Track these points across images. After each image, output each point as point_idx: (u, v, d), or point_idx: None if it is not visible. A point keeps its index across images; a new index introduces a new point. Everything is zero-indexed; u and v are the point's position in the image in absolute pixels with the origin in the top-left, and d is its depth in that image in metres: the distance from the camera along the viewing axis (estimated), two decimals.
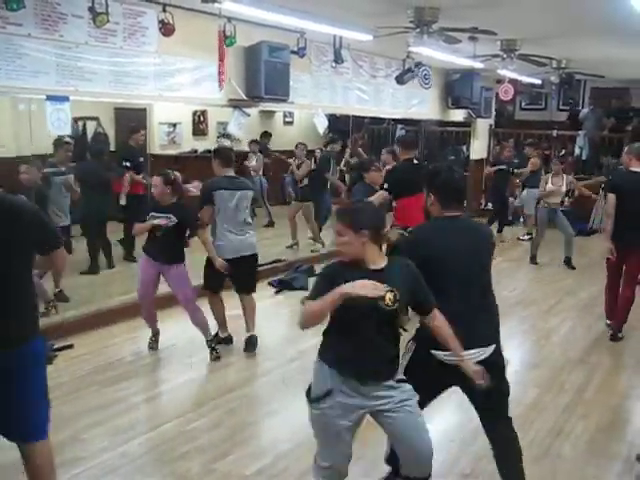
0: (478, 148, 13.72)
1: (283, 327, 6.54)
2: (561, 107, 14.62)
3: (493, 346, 3.37)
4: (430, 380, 3.27)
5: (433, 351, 3.22)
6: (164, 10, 5.95)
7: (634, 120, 13.33)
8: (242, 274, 5.64)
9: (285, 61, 7.41)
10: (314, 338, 6.13)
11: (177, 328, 6.35)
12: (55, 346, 5.49)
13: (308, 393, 3.03)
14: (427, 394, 3.33)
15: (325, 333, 3.01)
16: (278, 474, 3.79)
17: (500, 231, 11.27)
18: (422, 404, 3.22)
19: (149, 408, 4.63)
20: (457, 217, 3.35)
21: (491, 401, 3.36)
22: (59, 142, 7.51)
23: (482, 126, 13.64)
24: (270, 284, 7.78)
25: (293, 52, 7.55)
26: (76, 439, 4.14)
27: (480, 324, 3.34)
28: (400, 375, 3.04)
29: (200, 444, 4.13)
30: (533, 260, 9.57)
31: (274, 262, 8.50)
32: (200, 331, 5.53)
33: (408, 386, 3.02)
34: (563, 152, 13.86)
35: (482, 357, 3.24)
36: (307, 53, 7.77)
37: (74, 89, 5.66)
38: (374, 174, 6.71)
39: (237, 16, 6.32)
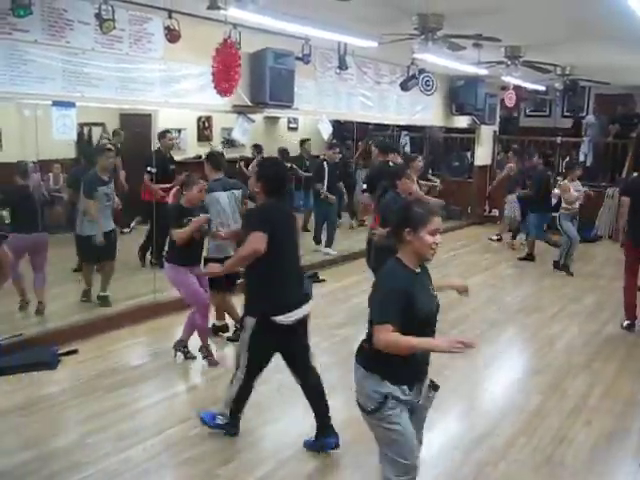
0: (482, 154, 13.74)
1: None
2: (565, 114, 14.61)
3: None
4: (273, 347, 4.06)
5: (274, 318, 3.87)
6: (170, 17, 5.98)
7: (639, 126, 13.32)
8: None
9: (290, 67, 7.44)
10: (316, 345, 6.16)
11: (177, 335, 6.37)
12: (60, 351, 5.51)
13: (367, 410, 3.10)
14: (266, 362, 4.15)
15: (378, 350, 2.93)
16: None
17: (514, 237, 11.29)
18: (257, 373, 4.11)
19: (153, 414, 4.63)
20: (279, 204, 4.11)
21: (303, 356, 4.20)
22: (100, 149, 7.18)
23: (486, 133, 13.66)
24: None
25: (298, 58, 7.58)
26: (80, 444, 4.15)
27: (299, 287, 4.07)
28: None
29: (203, 450, 4.14)
30: (566, 269, 9.35)
31: None
32: (199, 336, 5.57)
33: None
34: (568, 159, 13.85)
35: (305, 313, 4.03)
36: (312, 59, 7.80)
37: (80, 95, 5.70)
38: (407, 182, 6.23)
39: (242, 23, 6.35)
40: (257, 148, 10.99)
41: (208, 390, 5.12)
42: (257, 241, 3.83)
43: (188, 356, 5.61)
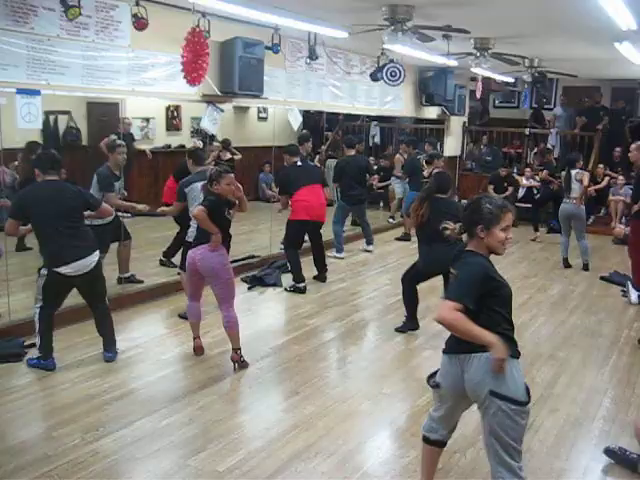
0: (451, 145, 13.82)
1: (255, 324, 6.53)
2: (534, 105, 14.78)
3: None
4: (64, 290, 5.17)
5: (56, 269, 4.92)
6: (137, 4, 5.91)
7: (605, 119, 13.51)
8: None
9: (259, 57, 7.39)
10: (286, 336, 6.20)
11: (148, 325, 6.33)
12: (26, 343, 5.44)
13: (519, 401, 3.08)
14: (59, 303, 5.24)
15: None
16: (250, 470, 3.79)
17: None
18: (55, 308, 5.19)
19: (121, 405, 4.59)
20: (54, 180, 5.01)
21: (95, 295, 5.31)
22: (112, 145, 6.95)
23: (456, 123, 13.74)
24: (243, 280, 7.76)
25: (267, 48, 7.54)
26: (47, 437, 4.10)
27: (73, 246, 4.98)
28: None
29: (173, 441, 4.12)
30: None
31: (248, 258, 8.49)
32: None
33: None
34: (535, 150, 14.03)
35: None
36: (281, 49, 7.77)
37: (45, 83, 5.60)
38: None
39: (211, 11, 6.30)
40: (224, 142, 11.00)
41: (180, 381, 5.09)
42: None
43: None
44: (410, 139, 11.82)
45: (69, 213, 5.03)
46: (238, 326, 5.28)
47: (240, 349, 5.28)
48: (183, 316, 6.18)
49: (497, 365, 2.94)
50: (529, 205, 12.01)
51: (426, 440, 3.47)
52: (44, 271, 5.03)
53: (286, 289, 7.61)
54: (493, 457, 3.14)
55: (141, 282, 7.13)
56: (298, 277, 7.60)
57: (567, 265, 9.24)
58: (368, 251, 9.80)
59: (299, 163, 7.85)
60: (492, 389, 3.02)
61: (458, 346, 3.11)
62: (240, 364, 5.27)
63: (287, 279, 7.83)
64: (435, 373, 3.35)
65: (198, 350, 5.50)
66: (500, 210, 3.05)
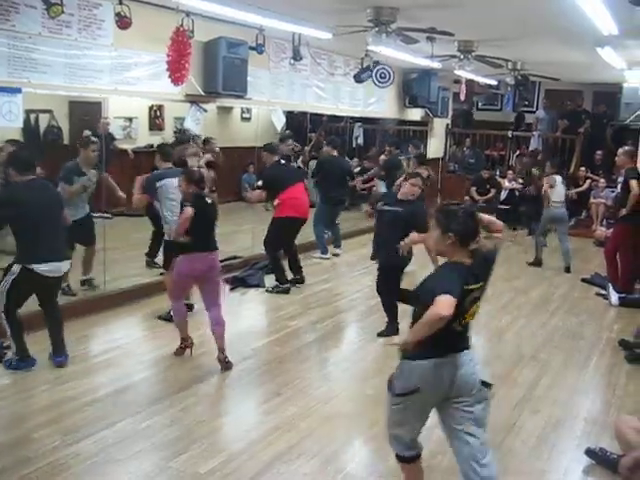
0: (435, 147, 13.87)
1: (237, 325, 6.50)
2: (515, 108, 14.87)
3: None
4: (31, 290, 5.06)
5: (32, 265, 4.84)
6: (121, 3, 5.87)
7: (586, 122, 13.63)
8: None
9: (243, 57, 7.38)
10: (268, 337, 6.18)
11: (129, 326, 6.28)
12: (4, 344, 5.37)
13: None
14: (21, 304, 5.08)
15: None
16: (232, 472, 3.77)
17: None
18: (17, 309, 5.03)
19: (101, 407, 4.55)
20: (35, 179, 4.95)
21: (54, 299, 5.30)
22: (85, 141, 6.76)
23: (439, 125, 13.79)
24: (225, 281, 7.72)
25: (251, 48, 7.53)
26: (26, 439, 4.05)
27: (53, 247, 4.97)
28: None
29: (154, 442, 4.09)
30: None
31: (230, 259, 8.45)
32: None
33: None
34: (518, 152, 14.11)
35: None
36: (266, 49, 7.76)
37: (27, 81, 5.55)
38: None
39: (195, 11, 6.27)
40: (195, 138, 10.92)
41: (161, 382, 5.06)
42: None
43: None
44: (394, 140, 11.92)
45: (52, 213, 5.03)
46: (225, 327, 5.27)
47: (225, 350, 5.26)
48: (165, 317, 6.15)
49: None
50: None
51: (409, 459, 3.38)
52: (16, 268, 4.89)
53: (268, 290, 7.58)
54: (478, 447, 3.18)
55: (97, 287, 6.87)
56: (281, 278, 7.59)
57: (539, 264, 9.39)
58: (336, 255, 9.58)
59: (282, 161, 7.86)
60: (482, 379, 3.11)
61: (458, 345, 3.14)
62: (225, 365, 5.25)
63: (270, 280, 7.82)
64: (391, 381, 3.26)
65: (188, 348, 5.49)
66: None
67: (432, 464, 3.95)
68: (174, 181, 5.86)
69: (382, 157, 11.82)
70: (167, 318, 6.10)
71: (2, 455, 3.83)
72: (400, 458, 3.38)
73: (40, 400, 4.59)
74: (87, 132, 8.08)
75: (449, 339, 3.09)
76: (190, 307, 6.21)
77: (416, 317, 3.07)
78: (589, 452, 4.07)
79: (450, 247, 3.09)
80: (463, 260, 3.08)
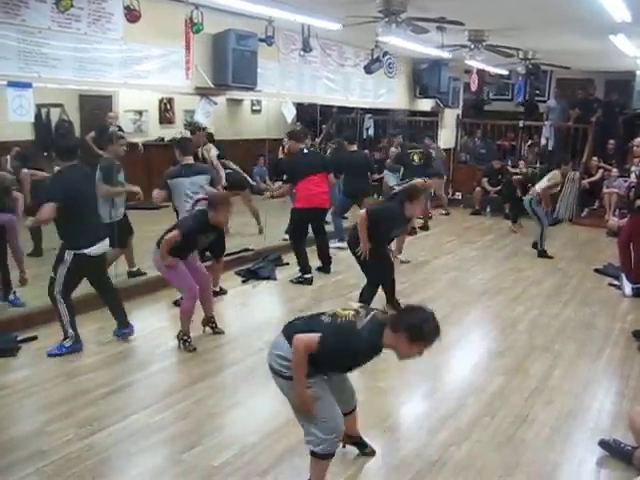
0: (445, 138, 13.80)
1: (250, 317, 6.52)
2: (528, 98, 14.75)
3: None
4: (84, 274, 5.29)
5: (84, 250, 5.12)
6: None
7: (598, 111, 13.51)
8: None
9: (253, 49, 7.35)
10: (280, 330, 6.16)
11: (144, 318, 6.30)
12: (19, 338, 5.41)
13: None
14: (77, 285, 5.31)
15: None
16: (245, 465, 3.79)
17: (515, 221, 11.38)
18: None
19: (115, 400, 4.57)
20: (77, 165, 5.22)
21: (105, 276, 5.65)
22: (113, 136, 7.00)
23: (450, 116, 13.72)
24: (237, 274, 7.74)
25: (261, 40, 7.50)
26: (41, 432, 4.08)
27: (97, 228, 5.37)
28: None
29: (167, 435, 4.11)
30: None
31: (242, 251, 8.46)
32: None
33: None
34: (530, 142, 14.02)
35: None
36: (275, 41, 7.73)
37: (37, 75, 5.55)
38: None
39: (204, 3, 6.26)
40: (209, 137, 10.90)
41: (174, 375, 5.08)
42: None
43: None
44: (397, 131, 12.27)
45: (92, 195, 5.43)
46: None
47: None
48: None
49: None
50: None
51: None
52: (68, 256, 5.11)
53: (292, 281, 7.58)
54: None
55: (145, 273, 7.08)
56: (305, 268, 7.60)
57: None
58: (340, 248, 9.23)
59: (305, 151, 7.82)
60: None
61: None
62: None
63: (281, 272, 7.82)
64: None
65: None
66: None
67: (444, 456, 3.95)
68: (186, 180, 6.19)
69: (392, 149, 11.77)
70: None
71: (17, 448, 3.86)
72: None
73: (54, 393, 4.62)
74: (113, 128, 8.12)
75: None
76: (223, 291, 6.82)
77: None
78: (603, 443, 4.05)
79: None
80: None
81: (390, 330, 3.15)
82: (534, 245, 9.49)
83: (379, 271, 6.20)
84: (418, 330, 3.10)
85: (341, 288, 7.50)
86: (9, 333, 5.48)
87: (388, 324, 3.17)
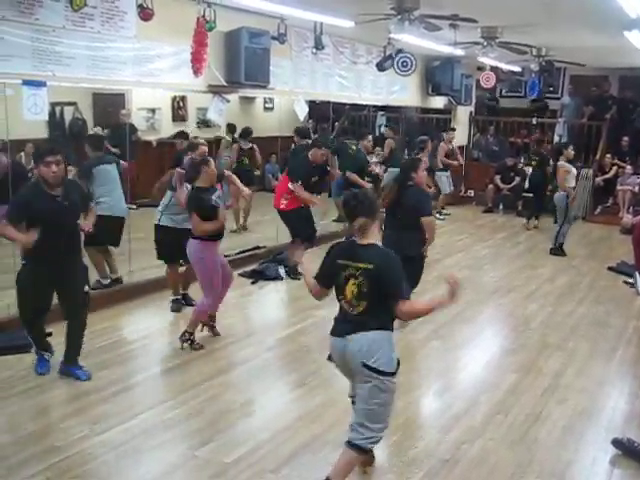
0: (458, 135, 13.75)
1: (261, 315, 6.53)
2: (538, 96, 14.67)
3: None
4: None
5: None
6: None
7: (613, 108, 13.42)
8: None
9: (265, 47, 7.36)
10: (292, 327, 6.19)
11: (155, 316, 6.33)
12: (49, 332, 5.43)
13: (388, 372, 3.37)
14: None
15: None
16: (257, 462, 3.80)
17: (537, 218, 11.36)
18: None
19: (128, 396, 4.60)
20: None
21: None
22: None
23: (462, 113, 13.67)
24: (241, 275, 7.57)
25: (273, 38, 7.51)
26: (54, 428, 4.11)
27: None
28: None
29: (180, 432, 4.13)
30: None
31: (254, 249, 8.47)
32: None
33: None
34: (536, 136, 13.92)
35: None
36: (287, 39, 7.74)
37: (51, 74, 5.59)
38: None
39: (217, 1, 6.27)
40: (231, 127, 10.88)
41: (187, 372, 5.09)
42: None
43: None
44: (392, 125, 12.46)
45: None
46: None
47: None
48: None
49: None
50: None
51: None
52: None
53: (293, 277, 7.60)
54: (357, 414, 3.45)
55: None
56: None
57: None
58: None
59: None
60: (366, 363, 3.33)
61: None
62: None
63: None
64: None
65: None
66: None
67: (457, 454, 3.94)
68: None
69: (388, 141, 11.54)
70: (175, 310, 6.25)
71: (31, 444, 3.89)
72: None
73: (68, 390, 4.65)
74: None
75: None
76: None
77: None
78: (616, 442, 4.03)
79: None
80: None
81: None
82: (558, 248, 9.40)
83: None
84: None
85: None
86: (20, 330, 5.50)
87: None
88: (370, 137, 9.40)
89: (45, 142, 9.04)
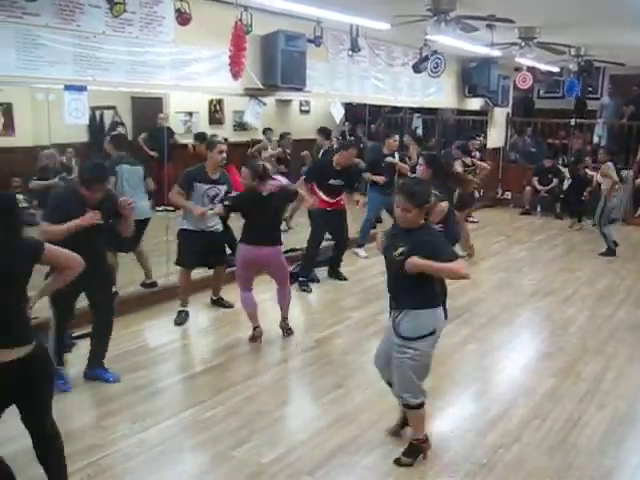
0: (495, 137, 13.63)
1: (299, 317, 6.55)
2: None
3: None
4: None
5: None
6: None
7: None
8: None
9: (301, 50, 7.38)
10: (329, 328, 6.20)
11: (194, 317, 6.39)
12: (74, 334, 5.54)
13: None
14: None
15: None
16: (293, 463, 3.82)
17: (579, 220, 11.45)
18: None
19: (167, 396, 4.66)
20: None
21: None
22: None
23: (499, 115, 13.54)
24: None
25: (309, 41, 7.52)
26: (95, 427, 4.19)
27: None
28: None
29: (217, 432, 4.17)
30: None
31: (289, 251, 8.49)
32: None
33: None
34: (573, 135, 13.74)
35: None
36: (323, 42, 7.75)
37: (92, 79, 5.68)
38: None
39: (253, 5, 6.32)
40: (267, 132, 10.94)
41: (224, 372, 5.13)
42: None
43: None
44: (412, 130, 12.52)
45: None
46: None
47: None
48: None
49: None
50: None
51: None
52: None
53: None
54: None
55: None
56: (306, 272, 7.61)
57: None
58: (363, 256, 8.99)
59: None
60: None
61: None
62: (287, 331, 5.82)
63: (323, 273, 7.85)
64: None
65: (257, 338, 5.66)
66: None
67: (493, 458, 3.91)
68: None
69: (412, 146, 11.37)
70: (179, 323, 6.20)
71: (72, 441, 3.95)
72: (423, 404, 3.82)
73: (108, 389, 4.73)
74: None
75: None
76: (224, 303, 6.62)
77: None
78: None
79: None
80: None
81: None
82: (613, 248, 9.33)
83: None
84: None
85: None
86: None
87: None
88: (397, 137, 9.28)
89: (84, 146, 9.23)
